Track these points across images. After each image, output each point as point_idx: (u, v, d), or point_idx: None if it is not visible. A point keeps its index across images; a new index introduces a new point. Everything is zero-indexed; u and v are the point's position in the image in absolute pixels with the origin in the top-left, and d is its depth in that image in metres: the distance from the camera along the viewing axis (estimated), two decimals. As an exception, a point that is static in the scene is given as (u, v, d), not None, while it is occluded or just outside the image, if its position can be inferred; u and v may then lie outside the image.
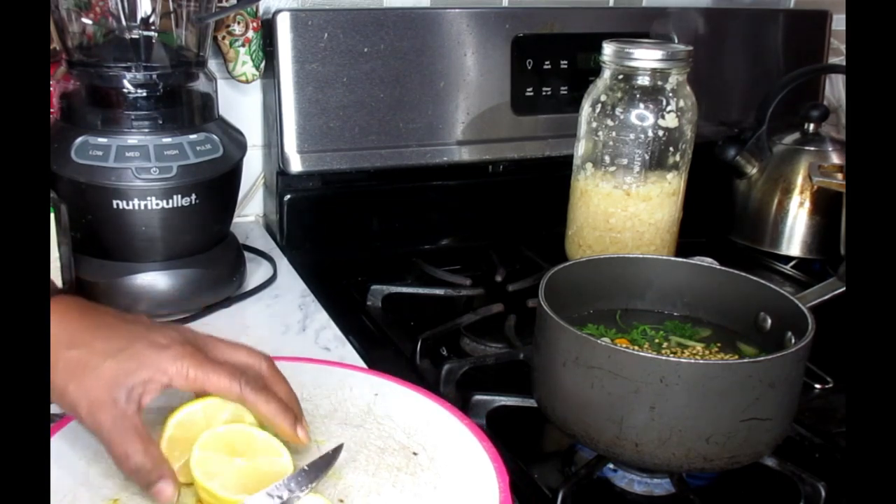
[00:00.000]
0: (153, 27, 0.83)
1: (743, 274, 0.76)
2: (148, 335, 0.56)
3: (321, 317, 0.90)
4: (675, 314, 0.79)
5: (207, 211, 0.87)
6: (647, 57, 0.92)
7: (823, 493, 0.64)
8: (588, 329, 0.75)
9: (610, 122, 0.95)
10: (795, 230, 1.12)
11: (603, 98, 0.95)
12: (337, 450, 0.60)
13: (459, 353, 0.87)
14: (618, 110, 0.94)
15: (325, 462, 0.58)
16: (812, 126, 1.14)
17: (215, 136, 0.86)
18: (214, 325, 0.86)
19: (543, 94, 1.13)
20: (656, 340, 0.74)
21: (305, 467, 0.57)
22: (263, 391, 0.57)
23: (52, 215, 0.77)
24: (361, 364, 0.79)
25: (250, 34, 1.02)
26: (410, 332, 0.89)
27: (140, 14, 0.82)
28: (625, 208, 0.96)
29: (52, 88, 0.85)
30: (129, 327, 0.57)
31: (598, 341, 0.63)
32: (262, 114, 1.12)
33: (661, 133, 0.93)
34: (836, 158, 1.10)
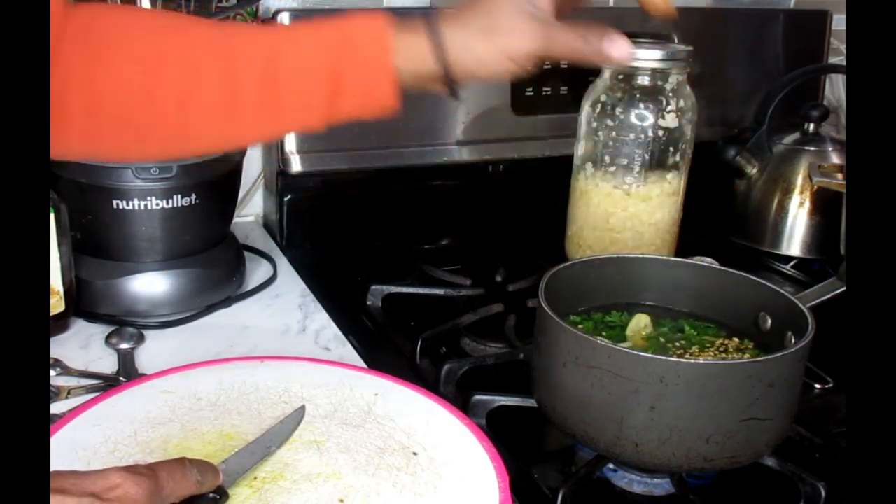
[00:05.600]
0: (153, 27, 0.83)
1: (743, 274, 0.76)
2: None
3: (321, 317, 0.90)
4: (676, 314, 0.79)
5: (207, 211, 0.87)
6: (647, 57, 0.92)
7: (823, 493, 0.64)
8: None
9: (610, 122, 0.94)
10: (795, 230, 1.12)
11: (603, 98, 0.95)
12: (300, 410, 0.65)
13: (459, 353, 0.87)
14: (618, 110, 0.94)
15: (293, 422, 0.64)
16: (812, 126, 1.14)
17: (215, 136, 0.86)
18: (214, 324, 0.86)
19: (543, 94, 1.12)
20: (660, 339, 0.74)
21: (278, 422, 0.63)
22: None
23: (52, 215, 0.77)
24: (361, 364, 0.79)
25: (250, 34, 1.02)
26: (410, 332, 0.89)
27: (140, 14, 0.82)
28: (625, 208, 0.96)
29: (52, 88, 0.85)
30: None
31: (598, 341, 0.63)
32: (262, 114, 1.11)
33: (661, 133, 0.93)
34: (836, 158, 1.10)
